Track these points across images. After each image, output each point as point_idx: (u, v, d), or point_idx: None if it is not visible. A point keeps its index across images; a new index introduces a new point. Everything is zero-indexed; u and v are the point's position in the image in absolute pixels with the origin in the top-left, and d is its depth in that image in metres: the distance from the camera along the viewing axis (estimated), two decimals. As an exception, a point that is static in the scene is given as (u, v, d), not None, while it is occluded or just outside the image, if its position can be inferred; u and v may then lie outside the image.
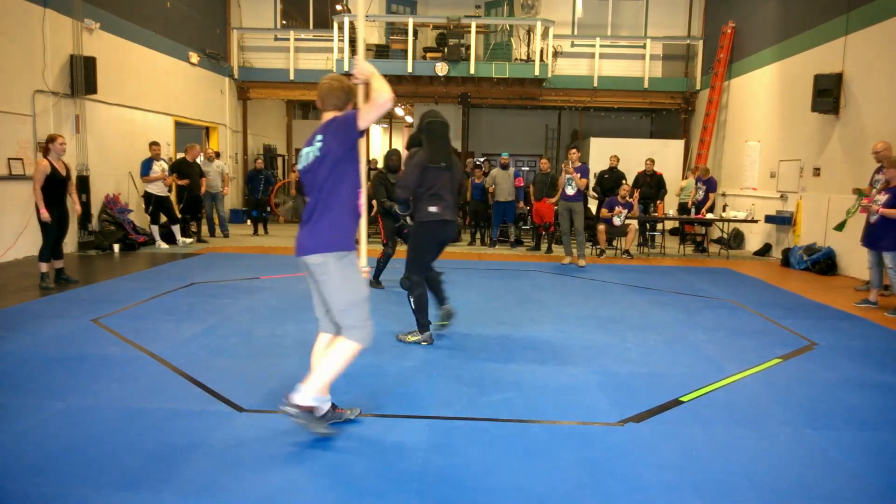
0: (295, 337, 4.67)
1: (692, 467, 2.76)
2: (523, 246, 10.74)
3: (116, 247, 9.00)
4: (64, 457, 2.70)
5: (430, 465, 2.72)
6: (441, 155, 4.23)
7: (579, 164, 8.61)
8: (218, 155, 12.05)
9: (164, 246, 9.42)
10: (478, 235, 11.33)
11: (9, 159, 7.74)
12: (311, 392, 2.83)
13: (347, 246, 2.79)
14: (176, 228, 9.67)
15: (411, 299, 4.47)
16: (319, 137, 2.82)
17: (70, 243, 8.76)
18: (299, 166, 2.94)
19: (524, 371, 4.02)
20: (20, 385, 3.55)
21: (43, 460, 2.67)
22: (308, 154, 2.85)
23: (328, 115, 2.89)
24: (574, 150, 8.78)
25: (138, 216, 9.98)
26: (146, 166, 9.29)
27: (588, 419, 3.27)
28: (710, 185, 10.50)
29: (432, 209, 4.23)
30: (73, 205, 6.56)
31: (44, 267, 6.28)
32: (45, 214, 6.10)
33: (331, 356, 2.83)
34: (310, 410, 2.82)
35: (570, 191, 8.38)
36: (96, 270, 7.52)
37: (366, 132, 2.84)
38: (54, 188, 6.18)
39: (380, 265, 6.63)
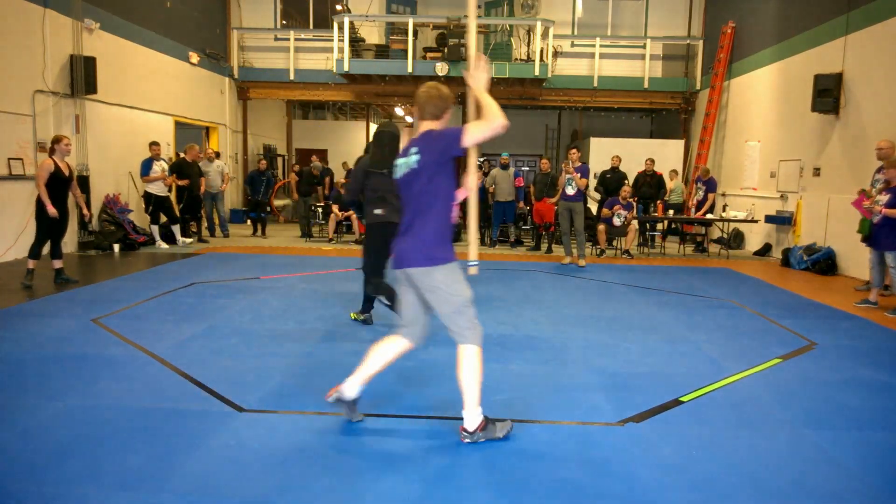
0: (295, 337, 4.67)
1: (692, 467, 2.76)
2: (523, 246, 10.75)
3: (116, 247, 9.00)
4: (64, 457, 2.70)
5: (430, 465, 2.72)
6: (385, 162, 4.46)
7: (579, 163, 8.61)
8: (218, 155, 12.06)
9: (164, 246, 9.42)
10: (477, 235, 11.30)
11: (9, 159, 7.74)
12: (473, 410, 2.92)
13: (450, 257, 2.86)
14: (176, 228, 9.68)
15: (382, 299, 4.69)
16: (415, 150, 2.83)
17: (70, 243, 8.76)
18: (395, 176, 2.98)
19: (524, 371, 4.03)
20: (20, 385, 3.55)
21: (43, 460, 2.67)
22: (404, 166, 2.89)
23: (425, 125, 2.89)
24: (574, 150, 8.78)
25: (138, 216, 9.98)
26: (146, 166, 9.30)
27: (588, 419, 3.27)
28: (710, 185, 10.50)
29: (377, 212, 4.51)
30: (81, 206, 6.68)
31: (31, 264, 6.34)
32: (53, 210, 6.16)
33: (465, 372, 2.92)
34: (484, 425, 2.94)
35: (571, 191, 8.38)
36: (96, 270, 7.52)
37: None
38: (57, 187, 6.25)
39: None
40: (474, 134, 2.64)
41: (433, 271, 2.81)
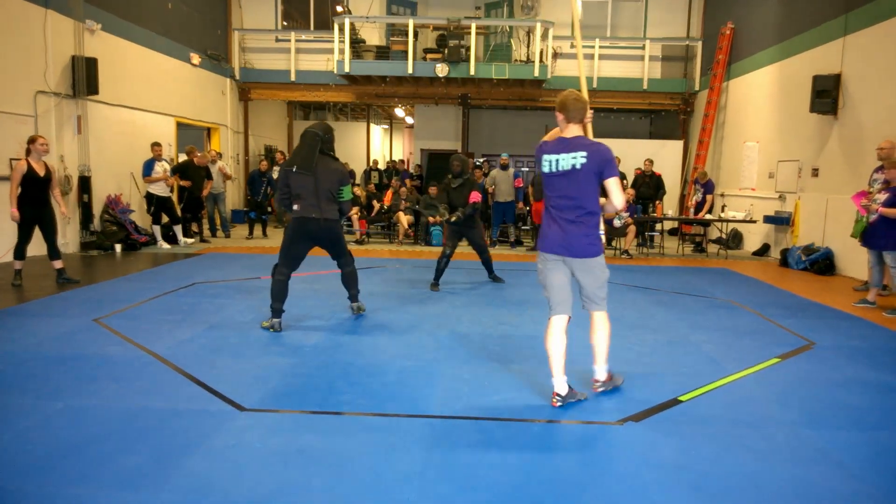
0: (295, 337, 4.67)
1: (692, 467, 2.76)
2: (523, 246, 10.76)
3: (118, 247, 9.01)
4: (64, 457, 2.71)
5: (430, 464, 2.72)
6: (302, 161, 4.75)
7: None
8: (221, 156, 12.07)
9: (165, 246, 9.43)
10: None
11: (10, 159, 7.75)
12: (603, 365, 3.59)
13: (602, 249, 3.46)
14: (178, 228, 9.69)
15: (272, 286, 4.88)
16: (583, 154, 3.25)
17: (72, 243, 8.78)
18: (545, 169, 3.36)
19: (524, 371, 4.03)
20: (20, 385, 3.55)
21: (43, 460, 2.67)
22: (561, 161, 3.29)
23: (572, 128, 3.33)
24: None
25: (140, 216, 10.00)
26: (148, 167, 9.30)
27: (588, 419, 3.28)
28: (708, 187, 10.52)
29: (295, 207, 4.77)
30: (58, 207, 6.55)
31: (17, 264, 6.37)
32: (16, 214, 6.15)
33: (600, 332, 3.56)
34: (610, 378, 3.61)
35: None
36: (98, 270, 7.53)
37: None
38: (32, 188, 6.20)
39: (439, 266, 6.73)
40: (616, 184, 3.30)
41: (596, 259, 3.42)
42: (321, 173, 4.76)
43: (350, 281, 5.29)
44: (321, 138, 4.80)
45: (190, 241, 9.93)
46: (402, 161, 17.62)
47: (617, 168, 3.34)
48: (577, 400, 3.48)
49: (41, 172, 6.28)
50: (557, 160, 3.32)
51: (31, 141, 6.30)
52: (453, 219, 6.63)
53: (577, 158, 3.26)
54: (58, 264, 6.51)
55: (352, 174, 13.03)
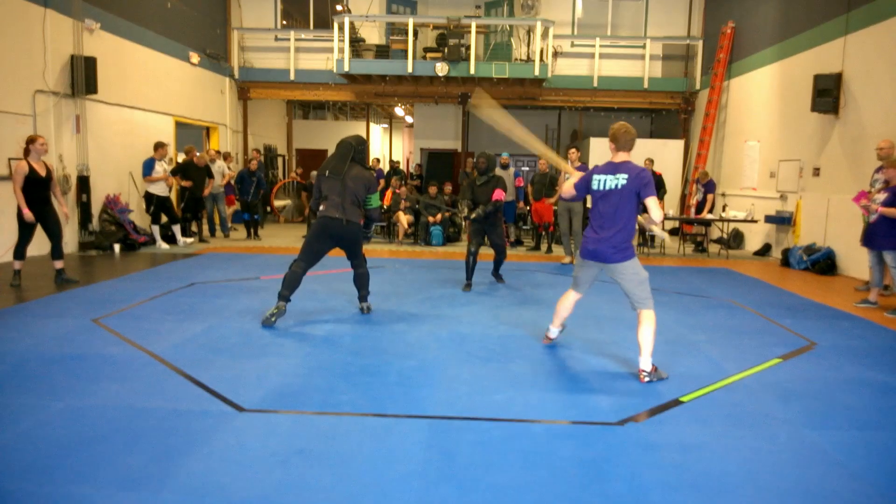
0: (295, 337, 4.67)
1: (692, 467, 2.76)
2: (523, 246, 10.75)
3: (117, 247, 9.00)
4: (64, 457, 2.71)
5: (430, 465, 2.72)
6: (331, 166, 5.12)
7: (579, 163, 8.58)
8: (228, 155, 12.07)
9: (164, 246, 9.42)
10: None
11: (9, 159, 7.75)
12: (648, 358, 3.88)
13: (633, 254, 3.97)
14: (177, 228, 9.67)
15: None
16: (625, 177, 3.88)
17: (70, 243, 8.77)
18: (594, 187, 4.01)
19: (524, 371, 4.03)
20: (20, 385, 3.55)
21: (43, 460, 2.67)
22: (607, 182, 3.94)
23: (622, 155, 3.97)
24: (574, 150, 8.76)
25: (139, 216, 9.99)
26: (148, 166, 9.27)
27: (588, 419, 3.27)
28: (709, 187, 10.52)
29: (321, 208, 5.13)
30: (60, 207, 6.54)
31: (17, 265, 6.36)
32: (29, 214, 6.14)
33: (646, 330, 3.90)
34: (655, 370, 3.91)
35: None
36: (97, 270, 7.52)
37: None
38: (33, 189, 6.19)
39: (468, 266, 6.75)
40: (654, 206, 3.86)
41: (628, 262, 3.94)
42: (350, 179, 5.09)
43: (361, 282, 5.47)
44: (354, 148, 5.17)
45: (189, 240, 9.92)
46: (396, 162, 17.62)
47: (654, 188, 3.90)
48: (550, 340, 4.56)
49: (42, 172, 6.27)
50: (606, 179, 3.94)
51: (31, 141, 6.28)
52: (473, 215, 6.63)
53: (619, 179, 3.90)
54: (58, 264, 6.51)
55: (379, 173, 12.95)
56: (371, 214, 5.32)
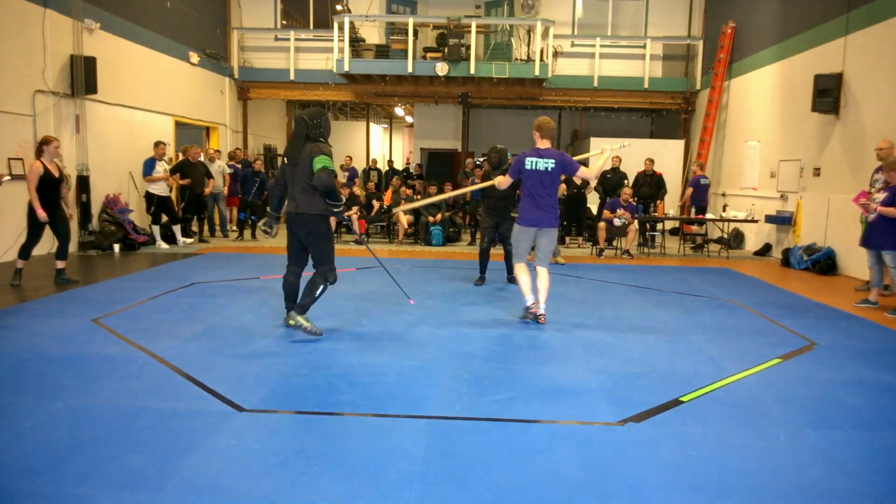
0: (295, 337, 4.67)
1: (692, 467, 2.76)
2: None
3: (117, 247, 9.00)
4: (64, 457, 2.70)
5: (430, 465, 2.72)
6: (287, 151, 4.58)
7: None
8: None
9: (164, 246, 9.42)
10: (478, 235, 11.34)
11: (9, 159, 7.75)
12: (543, 303, 5.23)
13: (557, 223, 5.29)
14: (177, 228, 9.67)
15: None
16: (553, 161, 5.04)
17: (70, 243, 8.75)
18: (528, 167, 5.06)
19: (524, 371, 4.03)
20: (20, 385, 3.55)
21: (43, 460, 2.67)
22: (538, 164, 5.05)
23: (546, 143, 5.15)
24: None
25: (139, 216, 9.98)
26: (149, 166, 9.26)
27: (588, 419, 3.27)
28: (692, 182, 10.62)
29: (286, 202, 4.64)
30: (67, 206, 6.58)
31: (20, 263, 6.37)
32: (43, 214, 6.16)
33: (544, 281, 5.21)
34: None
35: None
36: (96, 270, 7.52)
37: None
38: (47, 190, 6.21)
39: (482, 261, 7.08)
40: (581, 172, 5.26)
41: (554, 228, 5.22)
42: (302, 162, 4.40)
43: (307, 287, 4.57)
44: (307, 124, 4.43)
45: (189, 240, 9.91)
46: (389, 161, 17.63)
47: (576, 164, 5.18)
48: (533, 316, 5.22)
49: (56, 174, 6.34)
50: (536, 162, 5.06)
51: (46, 142, 6.30)
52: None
53: (549, 163, 5.04)
54: (60, 264, 6.52)
55: (353, 172, 12.97)
56: (318, 184, 4.27)
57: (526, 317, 5.27)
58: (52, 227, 6.40)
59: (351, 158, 12.77)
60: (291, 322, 4.55)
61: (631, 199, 9.80)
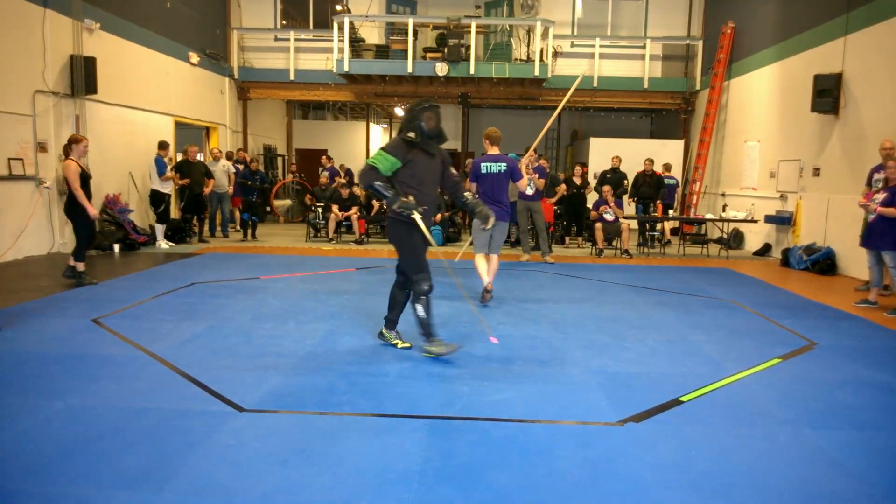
0: (295, 337, 4.67)
1: (692, 467, 2.76)
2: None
3: (117, 247, 9.00)
4: (64, 457, 2.70)
5: (430, 465, 2.72)
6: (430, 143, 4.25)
7: (537, 164, 9.17)
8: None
9: (164, 246, 9.41)
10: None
11: (9, 159, 7.75)
12: (492, 280, 6.05)
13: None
14: (160, 229, 9.52)
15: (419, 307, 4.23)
16: (504, 165, 5.99)
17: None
18: (483, 171, 5.99)
19: (524, 371, 4.03)
20: (20, 385, 3.55)
21: (43, 460, 2.67)
22: (492, 167, 6.00)
23: (495, 149, 6.09)
24: (533, 151, 8.95)
25: (139, 216, 9.98)
26: (162, 165, 9.24)
27: (588, 419, 3.27)
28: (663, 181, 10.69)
29: (411, 199, 4.13)
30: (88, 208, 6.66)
31: (81, 266, 6.41)
32: (94, 212, 6.29)
33: (495, 266, 6.13)
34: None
35: (530, 191, 8.60)
36: (96, 270, 7.52)
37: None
38: (83, 187, 6.31)
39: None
40: (523, 179, 6.47)
41: (508, 222, 6.30)
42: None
43: (414, 312, 4.22)
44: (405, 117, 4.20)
45: (169, 244, 9.56)
46: None
47: (520, 173, 6.23)
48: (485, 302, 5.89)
49: (88, 172, 6.46)
50: (488, 166, 6.00)
51: (76, 141, 6.33)
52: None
53: (500, 166, 5.99)
54: (80, 266, 6.48)
55: (349, 173, 12.98)
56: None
57: (484, 299, 5.92)
58: (75, 229, 6.47)
59: (330, 158, 12.76)
60: (425, 353, 4.21)
61: (611, 197, 9.78)
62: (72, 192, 6.22)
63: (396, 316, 4.47)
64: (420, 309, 4.13)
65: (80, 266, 6.41)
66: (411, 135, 4.07)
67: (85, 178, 6.36)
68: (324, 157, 12.89)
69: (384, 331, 4.53)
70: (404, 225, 4.10)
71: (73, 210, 6.30)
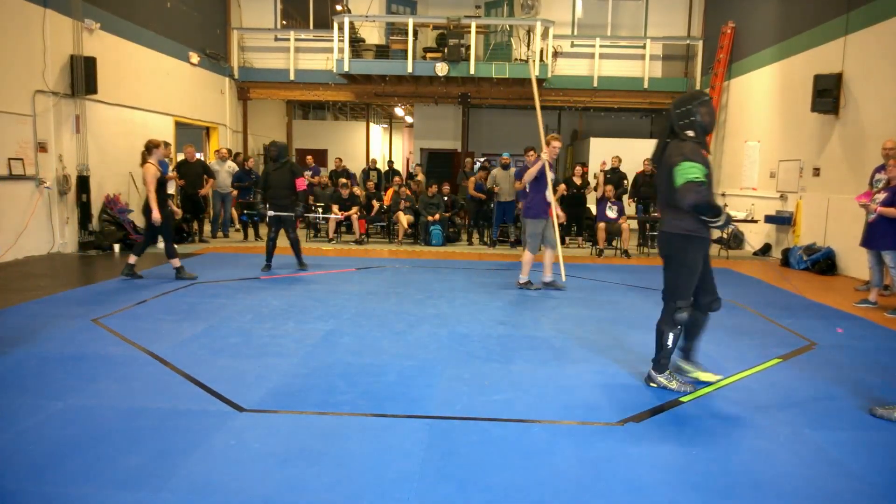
0: (295, 337, 4.67)
1: (692, 467, 2.76)
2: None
3: (117, 247, 9.00)
4: (64, 457, 2.71)
5: (429, 465, 2.72)
6: (654, 150, 3.76)
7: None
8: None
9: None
10: (475, 235, 11.36)
11: (9, 159, 7.74)
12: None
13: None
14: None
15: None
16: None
17: (70, 243, 8.77)
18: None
19: (524, 371, 4.03)
20: (20, 385, 3.55)
21: (43, 460, 2.67)
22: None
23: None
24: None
25: (139, 216, 9.97)
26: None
27: (588, 419, 3.27)
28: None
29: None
30: (174, 209, 7.17)
31: (175, 262, 6.78)
32: (159, 217, 6.51)
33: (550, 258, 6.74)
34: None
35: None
36: (97, 270, 7.52)
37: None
38: (161, 190, 6.63)
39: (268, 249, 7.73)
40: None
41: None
42: (663, 166, 3.61)
43: (657, 339, 3.76)
44: (671, 113, 3.62)
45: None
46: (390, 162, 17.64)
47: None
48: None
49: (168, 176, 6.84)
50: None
51: (155, 146, 6.63)
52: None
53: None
54: (176, 262, 6.80)
55: (315, 170, 12.95)
56: (682, 206, 3.47)
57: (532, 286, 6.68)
58: (159, 227, 6.68)
59: (313, 158, 12.78)
60: (653, 384, 3.75)
61: (612, 197, 9.79)
62: (163, 185, 6.58)
63: (693, 345, 3.83)
64: (672, 337, 3.67)
65: (176, 262, 6.79)
66: (691, 133, 3.53)
67: (161, 182, 6.65)
68: (336, 158, 12.94)
69: (683, 364, 3.85)
70: (701, 242, 3.60)
71: (150, 212, 6.58)
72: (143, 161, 6.54)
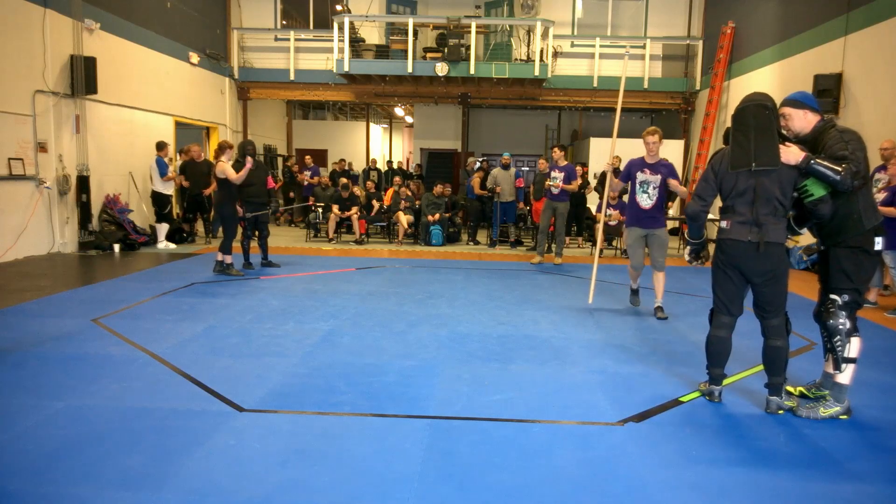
0: (295, 337, 4.67)
1: (692, 467, 2.76)
2: (523, 246, 10.75)
3: (117, 247, 9.00)
4: (64, 457, 2.70)
5: (429, 465, 2.72)
6: (742, 152, 3.36)
7: (565, 162, 8.90)
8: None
9: (171, 245, 9.40)
10: (481, 233, 11.37)
11: (9, 159, 7.74)
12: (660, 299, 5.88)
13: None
14: (162, 229, 9.54)
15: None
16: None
17: (70, 243, 8.77)
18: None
19: (524, 371, 4.03)
20: (20, 385, 3.55)
21: (43, 460, 2.67)
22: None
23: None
24: (556, 149, 8.82)
25: (139, 216, 9.98)
26: (164, 166, 9.26)
27: (588, 419, 3.27)
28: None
29: (723, 224, 3.58)
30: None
31: (228, 259, 7.14)
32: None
33: (661, 282, 5.84)
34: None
35: (555, 190, 8.57)
36: (96, 270, 7.52)
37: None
38: (230, 188, 7.02)
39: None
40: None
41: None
42: (779, 171, 3.24)
43: (776, 363, 3.51)
44: (770, 110, 3.22)
45: (172, 245, 9.59)
46: (398, 162, 17.63)
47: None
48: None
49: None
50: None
51: (228, 146, 7.11)
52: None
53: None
54: (227, 259, 7.12)
55: (353, 176, 12.96)
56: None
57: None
58: (223, 222, 7.12)
59: (312, 158, 12.77)
60: (779, 410, 3.39)
61: (614, 199, 9.78)
62: (229, 182, 6.93)
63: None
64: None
65: (228, 259, 7.11)
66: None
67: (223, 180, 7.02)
68: (340, 160, 12.94)
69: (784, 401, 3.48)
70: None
71: (222, 207, 7.03)
72: (216, 160, 7.07)
